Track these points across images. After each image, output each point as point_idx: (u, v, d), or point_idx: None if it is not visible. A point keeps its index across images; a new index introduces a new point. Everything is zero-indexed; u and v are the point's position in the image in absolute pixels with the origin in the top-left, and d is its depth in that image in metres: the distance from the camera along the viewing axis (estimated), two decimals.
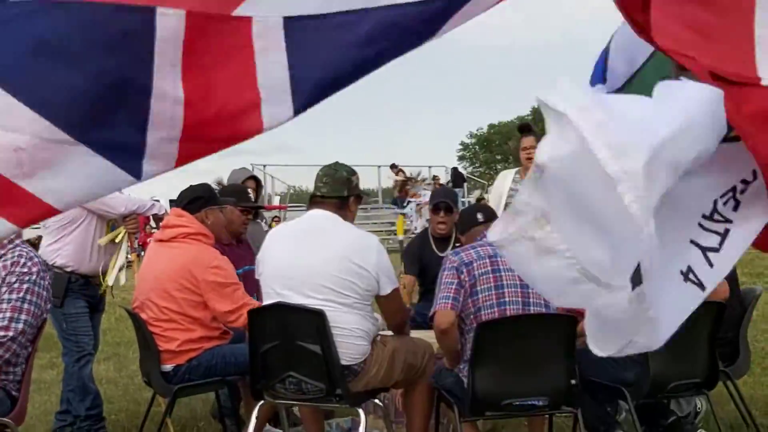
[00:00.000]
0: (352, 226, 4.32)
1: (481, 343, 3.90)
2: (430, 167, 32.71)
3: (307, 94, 1.81)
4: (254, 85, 1.81)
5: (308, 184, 30.30)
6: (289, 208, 24.13)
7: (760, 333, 7.94)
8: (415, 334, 4.67)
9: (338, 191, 4.27)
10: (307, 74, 1.81)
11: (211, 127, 1.83)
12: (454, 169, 31.34)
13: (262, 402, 4.28)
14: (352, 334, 4.05)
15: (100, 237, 5.23)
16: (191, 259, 4.62)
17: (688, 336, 4.24)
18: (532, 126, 7.19)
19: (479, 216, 4.47)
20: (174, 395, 4.64)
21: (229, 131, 1.84)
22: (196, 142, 1.86)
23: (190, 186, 5.15)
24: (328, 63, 1.81)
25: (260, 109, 1.80)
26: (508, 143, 54.06)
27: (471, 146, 68.81)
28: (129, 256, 5.38)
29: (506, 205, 6.64)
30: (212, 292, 4.54)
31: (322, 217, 4.24)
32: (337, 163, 4.42)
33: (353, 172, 4.40)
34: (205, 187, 5.18)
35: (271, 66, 1.81)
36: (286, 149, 73.56)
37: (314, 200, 4.32)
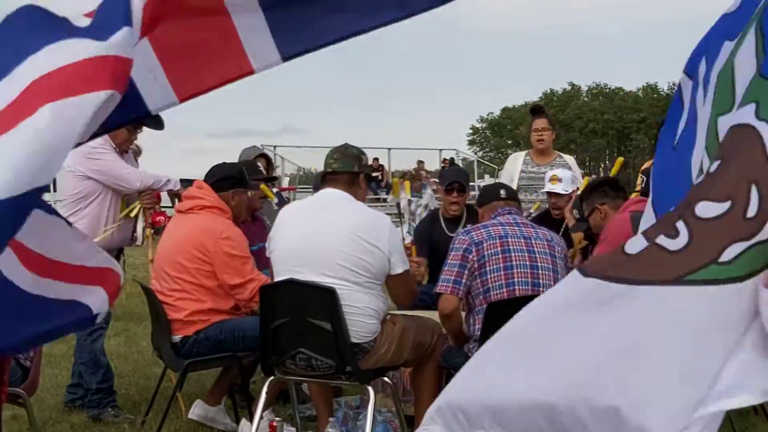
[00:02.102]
0: (364, 205, 4.35)
1: (490, 323, 3.91)
2: (440, 150, 32.69)
3: (292, 44, 2.01)
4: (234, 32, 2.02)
5: (318, 165, 30.26)
6: (298, 190, 24.15)
7: None
8: (423, 314, 4.69)
9: (349, 167, 4.29)
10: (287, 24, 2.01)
11: (197, 71, 2.04)
12: (451, 160, 31.13)
13: (272, 378, 4.31)
14: (363, 312, 4.07)
15: (114, 212, 5.26)
16: (203, 229, 4.68)
17: None
18: (544, 108, 7.19)
19: (502, 192, 4.49)
20: (184, 370, 4.68)
21: (217, 72, 2.04)
22: (185, 82, 2.06)
23: (224, 163, 5.22)
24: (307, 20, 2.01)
25: (244, 52, 1.97)
26: (519, 128, 53.98)
27: (481, 130, 68.70)
28: (145, 231, 5.41)
29: (518, 187, 6.64)
30: (221, 263, 4.59)
31: (334, 195, 4.26)
32: (346, 143, 4.45)
33: (362, 152, 4.44)
34: (237, 167, 5.24)
35: (248, 18, 2.01)
36: (295, 131, 73.68)
37: (326, 177, 4.34)
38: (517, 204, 4.50)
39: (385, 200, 28.95)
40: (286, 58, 2.04)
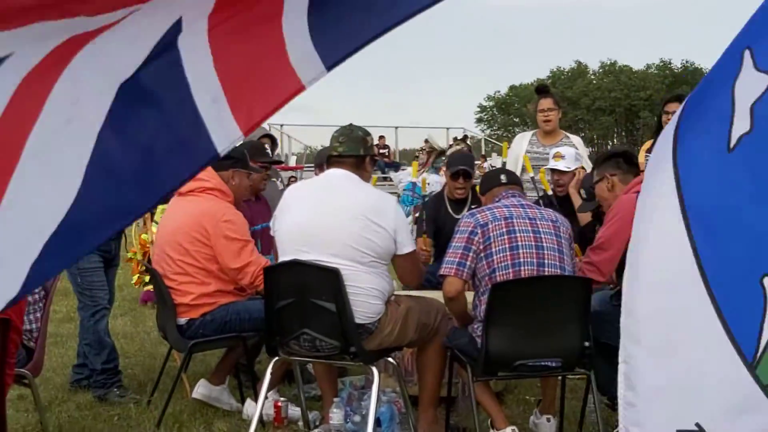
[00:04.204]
0: (370, 186, 4.34)
1: (495, 304, 3.91)
2: (447, 129, 32.56)
3: (333, 52, 1.76)
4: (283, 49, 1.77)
5: (325, 144, 30.18)
6: (305, 168, 24.12)
7: None
8: (429, 294, 4.69)
9: (355, 150, 4.28)
10: (327, 36, 1.77)
11: (254, 95, 1.79)
12: (464, 138, 30.95)
13: (276, 358, 4.31)
14: (368, 293, 4.06)
15: None
16: (204, 211, 4.67)
17: None
18: (549, 87, 7.13)
19: (502, 177, 4.46)
20: (189, 350, 4.69)
21: (272, 93, 1.79)
22: (246, 110, 1.79)
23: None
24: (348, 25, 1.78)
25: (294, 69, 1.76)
26: (527, 106, 53.76)
27: (489, 109, 68.49)
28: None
29: (523, 167, 6.61)
30: (222, 246, 4.59)
31: (341, 176, 4.24)
32: (351, 124, 4.43)
33: (368, 133, 4.43)
34: (239, 149, 5.20)
35: (294, 28, 1.77)
36: (301, 110, 73.44)
37: (331, 160, 4.32)
38: (519, 187, 4.48)
39: (390, 179, 28.95)
40: (329, 67, 1.76)
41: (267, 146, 6.09)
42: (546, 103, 6.64)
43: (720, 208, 1.96)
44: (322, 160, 5.02)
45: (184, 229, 4.66)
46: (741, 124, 1.96)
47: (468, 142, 28.16)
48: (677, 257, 1.97)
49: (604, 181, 4.55)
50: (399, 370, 4.51)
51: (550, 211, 4.28)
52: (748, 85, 1.95)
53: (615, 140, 61.54)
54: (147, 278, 5.29)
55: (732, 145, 1.97)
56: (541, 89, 7.01)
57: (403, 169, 23.36)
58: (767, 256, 1.87)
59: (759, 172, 1.91)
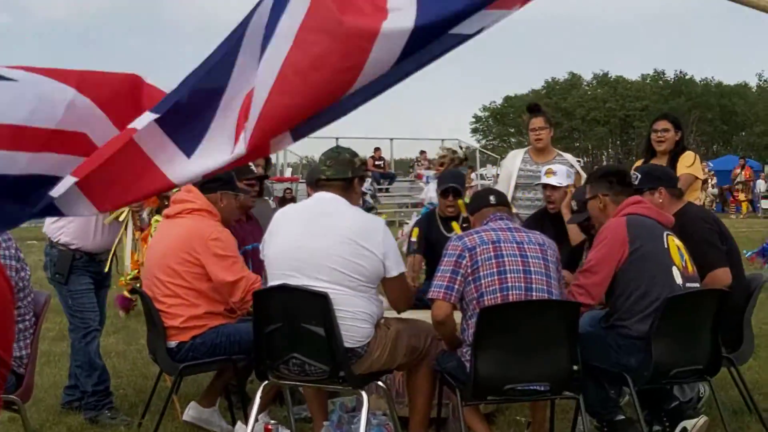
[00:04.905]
0: (358, 209, 4.34)
1: (484, 328, 3.92)
2: (442, 140, 32.60)
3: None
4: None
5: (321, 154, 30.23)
6: (301, 180, 24.11)
7: (766, 315, 7.91)
8: (420, 314, 4.69)
9: (343, 173, 4.29)
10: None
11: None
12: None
13: (266, 382, 4.31)
14: (356, 317, 4.07)
15: (102, 215, 5.25)
16: (191, 231, 4.69)
17: (692, 323, 4.26)
18: (540, 106, 7.16)
19: (491, 198, 4.46)
20: (179, 373, 4.69)
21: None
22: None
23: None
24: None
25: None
26: (522, 116, 53.90)
27: (484, 119, 68.58)
28: (134, 233, 5.42)
29: (516, 186, 6.63)
30: (212, 263, 4.61)
31: (328, 199, 4.25)
32: (338, 146, 4.48)
33: (355, 154, 4.45)
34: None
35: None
36: None
37: (319, 183, 4.33)
38: (508, 209, 4.49)
39: (388, 189, 28.98)
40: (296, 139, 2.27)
41: (259, 166, 6.06)
42: (537, 122, 6.68)
43: None
44: (311, 178, 5.03)
45: (172, 250, 4.67)
46: None
47: (461, 153, 28.18)
48: None
49: (596, 200, 4.57)
50: (389, 392, 4.51)
51: (537, 234, 4.29)
52: None
53: (610, 150, 61.64)
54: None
55: None
56: (533, 108, 7.04)
57: (426, 182, 23.34)
58: None
59: None
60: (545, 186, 5.93)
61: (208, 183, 4.86)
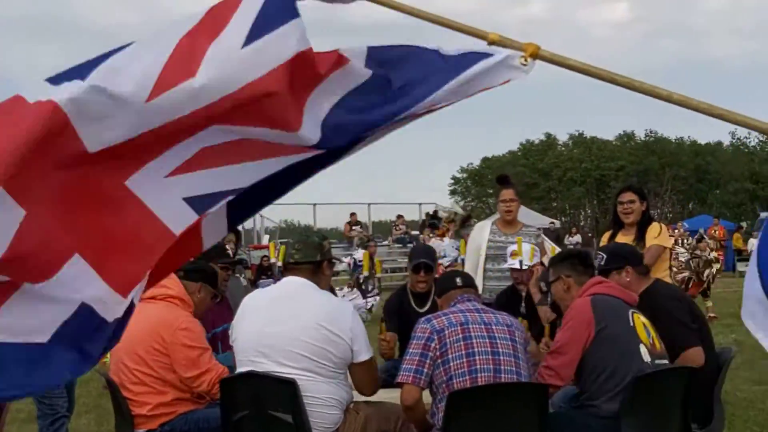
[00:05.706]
0: (326, 293, 4.35)
1: (453, 412, 3.89)
2: (420, 204, 32.80)
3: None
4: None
5: (299, 218, 30.39)
6: (281, 244, 23.93)
7: (742, 381, 7.91)
8: (391, 393, 4.64)
9: (311, 256, 4.31)
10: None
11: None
12: (434, 213, 31.09)
13: None
14: (325, 403, 4.05)
15: None
16: (160, 320, 4.64)
17: (661, 401, 4.26)
18: (510, 178, 7.25)
19: (458, 280, 4.49)
20: None
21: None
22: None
23: (201, 256, 5.18)
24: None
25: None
26: None
27: (463, 180, 69.00)
28: None
29: (486, 257, 6.68)
30: (178, 353, 4.55)
31: (296, 283, 4.26)
32: (308, 228, 4.54)
33: (324, 238, 4.49)
34: (212, 268, 5.23)
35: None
36: None
37: (288, 267, 4.34)
38: (475, 291, 4.51)
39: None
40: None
41: (230, 246, 6.10)
42: (508, 193, 6.77)
43: None
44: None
45: (140, 337, 4.61)
46: None
47: (437, 217, 28.28)
48: None
49: (559, 282, 4.60)
50: None
51: (505, 315, 4.31)
52: None
53: (587, 210, 62.06)
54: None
55: None
56: (502, 180, 7.13)
57: (431, 236, 23.35)
58: None
59: None
60: (512, 269, 6.02)
61: (192, 271, 4.86)
